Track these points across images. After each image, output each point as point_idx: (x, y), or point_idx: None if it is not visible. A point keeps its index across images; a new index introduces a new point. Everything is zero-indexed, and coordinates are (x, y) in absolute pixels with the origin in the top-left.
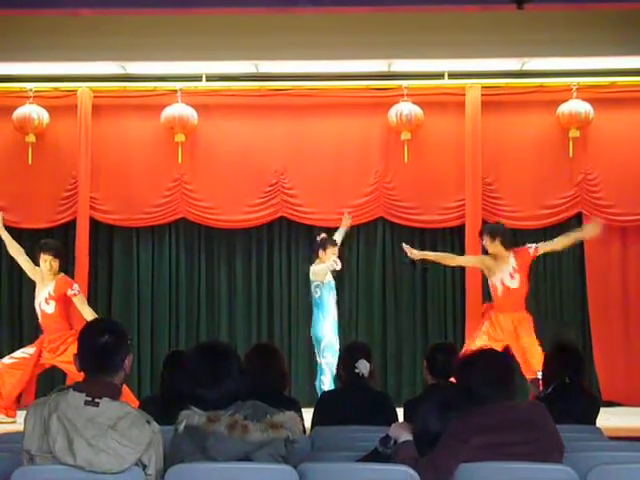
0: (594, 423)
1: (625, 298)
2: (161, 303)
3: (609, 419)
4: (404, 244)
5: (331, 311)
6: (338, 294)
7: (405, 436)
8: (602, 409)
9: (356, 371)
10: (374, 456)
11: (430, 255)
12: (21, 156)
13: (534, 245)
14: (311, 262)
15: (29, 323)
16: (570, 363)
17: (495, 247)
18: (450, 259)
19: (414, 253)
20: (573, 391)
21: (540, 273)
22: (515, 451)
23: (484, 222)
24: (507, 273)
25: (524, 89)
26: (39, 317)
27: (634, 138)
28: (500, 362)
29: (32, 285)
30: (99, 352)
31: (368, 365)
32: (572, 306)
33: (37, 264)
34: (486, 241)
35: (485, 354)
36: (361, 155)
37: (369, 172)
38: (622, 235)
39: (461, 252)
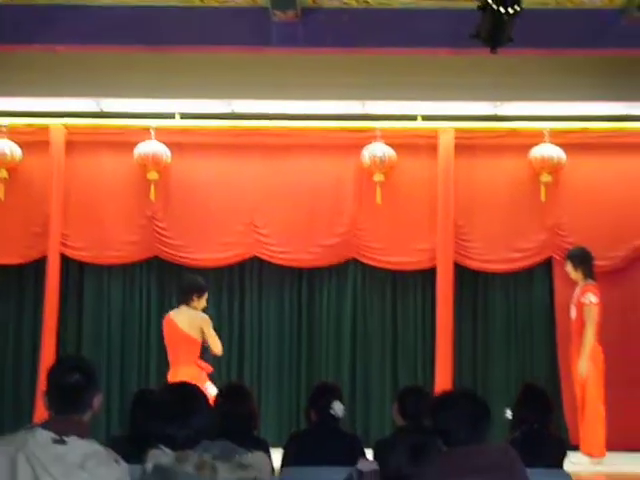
0: (561, 467)
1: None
2: (132, 341)
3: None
4: None
5: None
6: (309, 334)
7: (370, 466)
8: (570, 453)
9: (331, 412)
10: None
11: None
12: None
13: (592, 300)
14: (282, 301)
15: None
16: (538, 407)
17: (576, 275)
18: (589, 341)
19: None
20: (541, 435)
21: (511, 320)
22: None
23: (455, 265)
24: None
25: (497, 133)
26: None
27: (605, 183)
28: (478, 405)
29: None
30: (69, 391)
31: (342, 407)
32: (543, 351)
33: None
34: (569, 267)
35: (463, 395)
36: (334, 196)
37: (342, 213)
38: None
39: (432, 295)
